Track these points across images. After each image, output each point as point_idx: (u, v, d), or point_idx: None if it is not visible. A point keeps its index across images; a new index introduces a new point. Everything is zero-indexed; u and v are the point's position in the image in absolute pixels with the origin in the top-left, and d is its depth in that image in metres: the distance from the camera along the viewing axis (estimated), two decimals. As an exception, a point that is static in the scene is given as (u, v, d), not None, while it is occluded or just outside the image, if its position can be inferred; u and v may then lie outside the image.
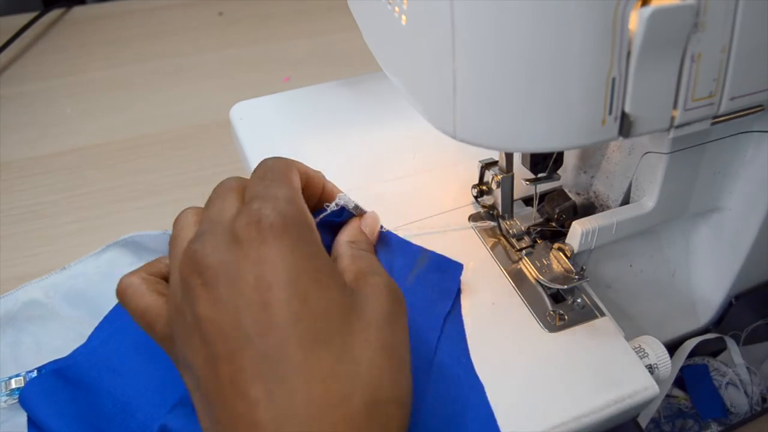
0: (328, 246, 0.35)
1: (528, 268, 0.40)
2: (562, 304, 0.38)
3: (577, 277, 0.38)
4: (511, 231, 0.41)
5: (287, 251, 0.28)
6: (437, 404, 0.34)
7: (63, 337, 0.50)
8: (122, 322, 0.45)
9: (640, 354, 0.37)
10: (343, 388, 0.26)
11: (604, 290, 0.43)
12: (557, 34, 0.27)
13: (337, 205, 0.36)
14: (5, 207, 0.63)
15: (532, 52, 0.28)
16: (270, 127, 0.50)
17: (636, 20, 0.27)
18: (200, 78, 0.80)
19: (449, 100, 0.30)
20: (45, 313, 0.53)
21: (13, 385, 0.46)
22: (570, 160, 0.44)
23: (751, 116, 0.34)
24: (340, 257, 0.33)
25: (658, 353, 0.37)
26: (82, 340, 0.46)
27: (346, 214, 0.37)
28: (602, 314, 0.38)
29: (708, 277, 0.45)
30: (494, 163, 0.42)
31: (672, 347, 0.45)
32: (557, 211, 0.43)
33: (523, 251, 0.41)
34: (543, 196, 0.44)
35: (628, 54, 0.28)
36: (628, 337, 0.37)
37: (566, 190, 0.44)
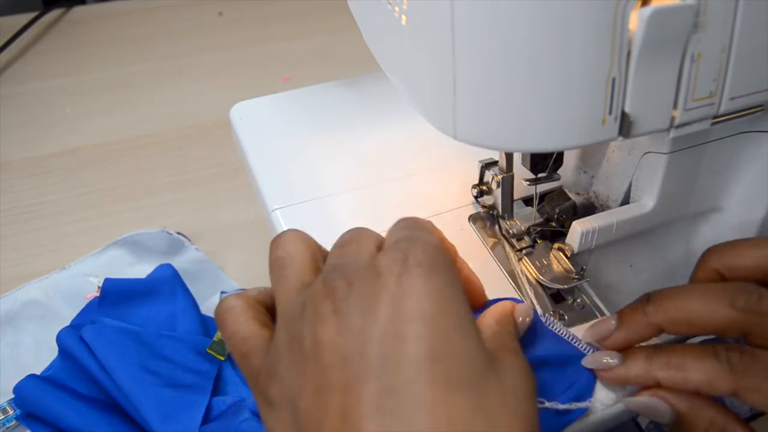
0: None
1: (528, 268, 0.40)
2: (562, 304, 0.38)
3: (577, 277, 0.38)
4: (511, 231, 0.41)
5: (432, 290, 0.26)
6: None
7: (63, 337, 0.50)
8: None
9: (640, 354, 0.36)
10: None
11: (604, 290, 0.43)
12: (557, 34, 0.27)
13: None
14: (5, 207, 0.63)
15: (532, 52, 0.28)
16: (270, 127, 0.50)
17: (636, 20, 0.27)
18: (200, 78, 0.80)
19: (449, 100, 0.30)
20: (45, 313, 0.53)
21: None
22: (570, 160, 0.44)
23: (751, 116, 0.34)
24: (482, 330, 0.30)
25: (658, 353, 0.37)
26: (82, 340, 0.47)
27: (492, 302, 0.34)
28: (602, 314, 0.38)
29: (708, 277, 0.45)
30: (494, 163, 0.42)
31: (672, 347, 0.45)
32: (557, 211, 0.43)
33: (523, 251, 0.41)
34: (543, 196, 0.44)
35: (628, 54, 0.28)
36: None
37: (566, 190, 0.44)
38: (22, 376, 0.46)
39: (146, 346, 0.46)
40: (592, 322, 0.35)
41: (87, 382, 0.46)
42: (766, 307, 0.30)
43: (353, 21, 0.42)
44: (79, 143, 0.70)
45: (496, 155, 0.42)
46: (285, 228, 0.42)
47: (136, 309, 0.51)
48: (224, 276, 0.57)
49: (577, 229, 0.39)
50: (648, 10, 0.27)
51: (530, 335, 0.33)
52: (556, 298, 0.39)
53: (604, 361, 0.33)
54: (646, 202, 0.40)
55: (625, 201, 0.42)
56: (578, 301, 0.38)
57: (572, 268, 0.39)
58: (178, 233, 0.58)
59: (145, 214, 0.62)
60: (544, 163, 0.39)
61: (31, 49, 0.84)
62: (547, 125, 0.29)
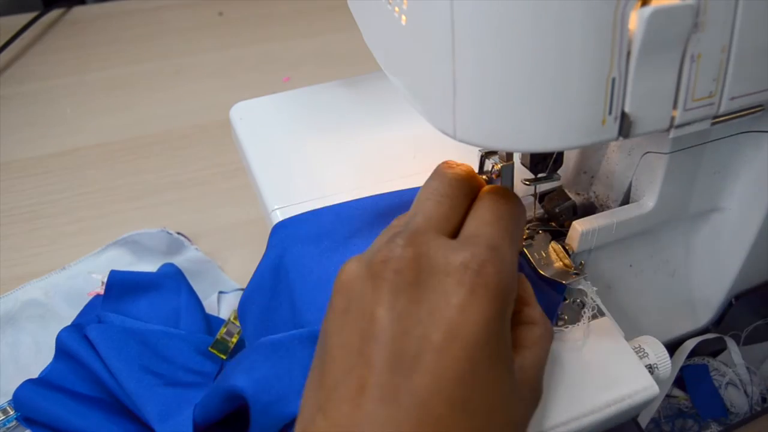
0: None
1: (527, 261, 0.40)
2: (562, 304, 0.38)
3: (575, 272, 0.38)
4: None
5: (485, 319, 0.27)
6: None
7: (63, 337, 0.50)
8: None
9: (640, 354, 0.37)
10: None
11: (604, 290, 0.43)
12: (557, 34, 0.27)
13: None
14: (5, 207, 0.63)
15: (532, 52, 0.28)
16: (270, 127, 0.50)
17: (636, 20, 0.27)
18: (200, 78, 0.80)
19: (449, 100, 0.30)
20: (45, 313, 0.53)
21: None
22: (570, 160, 0.44)
23: (751, 116, 0.34)
24: (537, 324, 0.33)
25: (658, 353, 0.37)
26: (82, 340, 0.47)
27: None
28: (602, 314, 0.38)
29: (708, 277, 0.45)
30: (494, 152, 0.41)
31: (672, 347, 0.45)
32: (557, 210, 0.42)
33: (522, 244, 0.41)
34: (543, 196, 0.44)
35: (628, 54, 0.28)
36: (628, 337, 0.37)
37: (566, 190, 0.44)
38: (22, 376, 0.46)
39: (149, 347, 0.46)
40: None
41: (87, 382, 0.46)
42: None
43: (353, 21, 0.42)
44: (79, 143, 0.70)
45: (496, 155, 0.42)
46: (285, 228, 0.42)
47: (141, 302, 0.51)
48: (224, 276, 0.57)
49: (577, 229, 0.39)
50: (648, 10, 0.27)
51: None
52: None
53: None
54: (646, 202, 0.40)
55: (625, 201, 0.42)
56: (578, 300, 0.38)
57: (571, 263, 0.39)
58: (178, 233, 0.58)
59: (145, 214, 0.62)
60: (544, 163, 0.39)
61: (31, 49, 0.84)
62: (547, 125, 0.29)
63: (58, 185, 0.66)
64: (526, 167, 0.40)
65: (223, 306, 0.55)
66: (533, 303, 0.33)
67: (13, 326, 0.52)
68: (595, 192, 0.44)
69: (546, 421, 0.33)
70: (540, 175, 0.40)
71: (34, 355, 0.50)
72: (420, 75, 0.33)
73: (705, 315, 0.46)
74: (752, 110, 0.33)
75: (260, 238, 0.42)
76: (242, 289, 0.54)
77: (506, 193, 0.33)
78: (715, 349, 0.48)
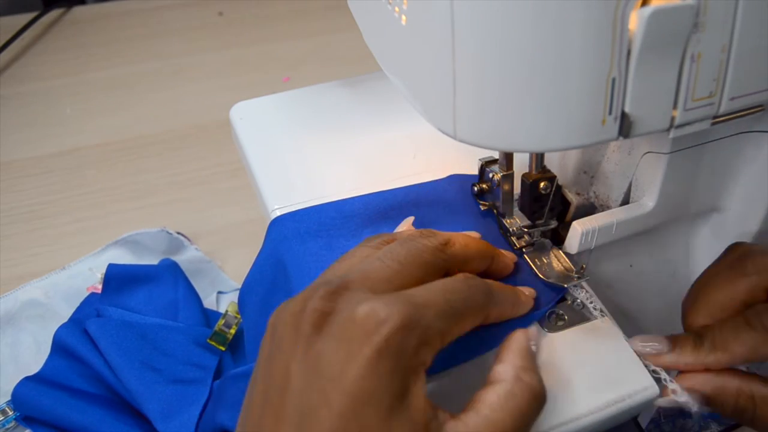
0: None
1: (528, 266, 0.40)
2: (562, 304, 0.38)
3: (577, 275, 0.38)
4: (511, 229, 0.41)
5: (378, 373, 0.27)
6: None
7: (63, 336, 0.50)
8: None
9: (640, 354, 0.37)
10: None
11: (604, 290, 0.43)
12: (557, 34, 0.27)
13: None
14: (5, 207, 0.63)
15: (532, 52, 0.28)
16: (270, 127, 0.50)
17: (636, 20, 0.27)
18: (200, 78, 0.80)
19: (449, 100, 0.30)
20: (44, 313, 0.53)
21: None
22: (570, 160, 0.44)
23: (751, 116, 0.34)
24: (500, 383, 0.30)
25: (658, 353, 0.37)
26: (82, 340, 0.47)
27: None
28: (602, 314, 0.38)
29: (708, 277, 0.45)
30: (494, 161, 0.42)
31: (672, 347, 0.45)
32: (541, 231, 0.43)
33: (523, 249, 0.41)
34: (538, 198, 0.44)
35: (628, 54, 0.28)
36: (628, 337, 0.37)
37: (566, 190, 0.44)
38: (22, 376, 0.46)
39: (148, 341, 0.46)
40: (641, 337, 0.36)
41: (86, 378, 0.46)
42: None
43: (353, 21, 0.42)
44: (79, 143, 0.71)
45: (496, 154, 0.42)
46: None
47: (139, 295, 0.51)
48: (224, 276, 0.57)
49: (577, 229, 0.39)
50: (648, 10, 0.27)
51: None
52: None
53: (653, 345, 0.34)
54: (646, 202, 0.40)
55: (625, 201, 0.42)
56: (578, 301, 0.38)
57: (572, 266, 0.39)
58: (178, 233, 0.58)
59: (145, 214, 0.62)
60: (541, 211, 0.40)
61: (31, 49, 0.84)
62: (547, 125, 0.29)
63: (58, 185, 0.66)
64: (524, 214, 0.40)
65: (222, 305, 0.55)
66: (506, 359, 0.31)
67: (13, 326, 0.52)
68: (595, 192, 0.44)
69: (546, 421, 0.33)
70: (538, 222, 0.40)
71: (34, 355, 0.50)
72: (420, 75, 0.33)
73: (705, 315, 0.46)
74: (752, 110, 0.33)
75: (260, 238, 0.42)
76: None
77: (473, 279, 0.32)
78: (715, 349, 0.48)
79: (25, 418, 0.45)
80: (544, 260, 0.40)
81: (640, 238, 0.42)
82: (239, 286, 0.55)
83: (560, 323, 0.37)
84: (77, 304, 0.53)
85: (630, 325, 0.42)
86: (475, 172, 0.43)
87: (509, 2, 0.27)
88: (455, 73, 0.29)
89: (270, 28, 0.88)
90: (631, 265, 0.44)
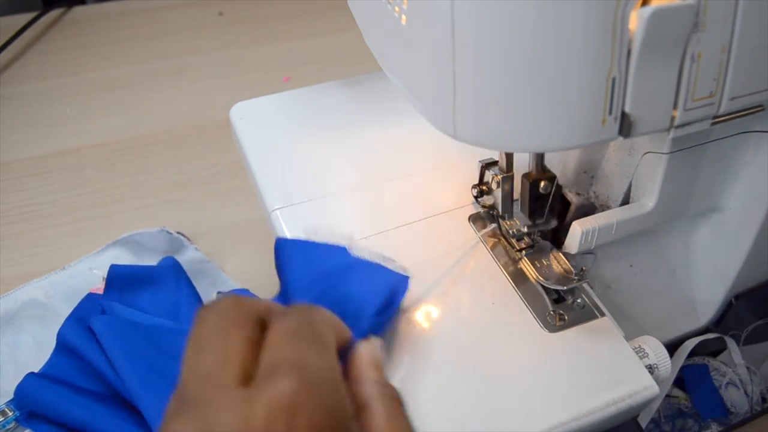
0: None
1: (528, 268, 0.40)
2: (562, 305, 0.38)
3: (576, 278, 0.38)
4: (511, 231, 0.41)
5: None
6: None
7: (63, 336, 0.50)
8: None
9: (640, 354, 0.37)
10: None
11: (604, 290, 0.43)
12: (557, 34, 0.27)
13: None
14: (5, 207, 0.63)
15: (533, 52, 0.28)
16: (270, 127, 0.50)
17: (636, 20, 0.27)
18: (200, 78, 0.80)
19: (449, 100, 0.30)
20: (45, 313, 0.53)
21: None
22: (570, 160, 0.44)
23: (751, 116, 0.34)
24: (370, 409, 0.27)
25: (658, 353, 0.37)
26: (82, 340, 0.47)
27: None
28: (602, 314, 0.38)
29: (708, 277, 0.45)
30: (494, 163, 0.42)
31: (672, 347, 0.45)
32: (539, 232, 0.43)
33: (523, 251, 0.41)
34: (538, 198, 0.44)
35: (628, 54, 0.28)
36: (628, 337, 0.37)
37: (566, 190, 0.44)
38: (22, 376, 0.46)
39: (153, 342, 0.46)
40: None
41: (88, 376, 0.46)
42: None
43: (353, 21, 0.42)
44: (79, 143, 0.70)
45: (496, 155, 0.42)
46: (285, 228, 0.42)
47: (142, 295, 0.51)
48: (224, 276, 0.57)
49: (577, 229, 0.39)
50: (648, 10, 0.27)
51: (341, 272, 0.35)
52: (556, 298, 0.39)
53: None
54: (646, 202, 0.40)
55: (625, 201, 0.42)
56: (578, 301, 0.38)
57: (572, 268, 0.39)
58: (178, 233, 0.58)
59: (145, 214, 0.62)
60: (541, 211, 0.40)
61: (31, 49, 0.84)
62: (547, 125, 0.29)
63: (58, 185, 0.66)
64: (524, 214, 0.40)
65: (223, 306, 0.55)
66: (362, 378, 0.29)
67: (13, 326, 0.52)
68: (595, 192, 0.44)
69: (546, 421, 0.33)
70: (538, 221, 0.40)
71: (34, 355, 0.50)
72: (420, 75, 0.33)
73: (705, 315, 0.46)
74: (752, 110, 0.33)
75: (260, 238, 0.42)
76: (242, 289, 0.54)
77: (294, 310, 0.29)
78: (715, 349, 0.48)
79: (30, 415, 0.45)
80: (544, 263, 0.40)
81: (640, 238, 0.42)
82: (239, 286, 0.55)
83: (560, 323, 0.37)
84: (77, 303, 0.53)
85: (630, 325, 0.42)
86: (475, 172, 0.43)
87: (510, 2, 0.27)
88: (455, 73, 0.29)
89: (270, 28, 0.88)
90: (631, 265, 0.44)
